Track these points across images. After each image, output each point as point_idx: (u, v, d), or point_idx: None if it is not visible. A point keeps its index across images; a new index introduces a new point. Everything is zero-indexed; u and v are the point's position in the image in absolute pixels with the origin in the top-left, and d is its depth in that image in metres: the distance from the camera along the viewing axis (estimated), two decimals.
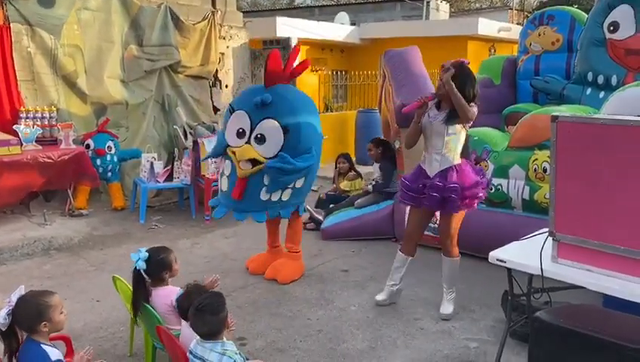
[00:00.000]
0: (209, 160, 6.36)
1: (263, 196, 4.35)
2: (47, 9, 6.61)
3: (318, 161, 4.59)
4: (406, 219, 5.40)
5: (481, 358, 3.44)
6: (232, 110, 4.43)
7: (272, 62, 4.34)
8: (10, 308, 2.40)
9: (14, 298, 2.43)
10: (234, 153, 4.27)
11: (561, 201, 2.66)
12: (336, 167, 6.90)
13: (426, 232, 4.25)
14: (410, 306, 4.16)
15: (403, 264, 4.12)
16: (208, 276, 3.29)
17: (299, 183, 4.46)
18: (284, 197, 4.45)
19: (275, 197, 4.40)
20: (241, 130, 4.30)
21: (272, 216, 4.56)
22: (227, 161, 4.39)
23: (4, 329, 2.41)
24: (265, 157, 4.21)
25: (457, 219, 3.91)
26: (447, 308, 4.01)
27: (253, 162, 4.22)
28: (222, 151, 4.42)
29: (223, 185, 4.48)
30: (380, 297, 4.19)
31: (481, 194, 3.91)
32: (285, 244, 4.89)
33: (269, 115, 4.23)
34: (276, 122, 4.23)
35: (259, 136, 4.24)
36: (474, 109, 3.76)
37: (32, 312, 2.43)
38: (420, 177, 3.91)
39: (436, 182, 3.79)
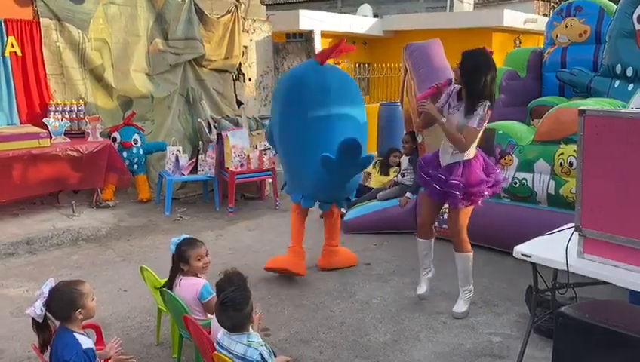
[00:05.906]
0: (232, 153, 6.43)
1: None
2: (77, 4, 6.73)
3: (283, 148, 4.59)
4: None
5: (504, 353, 3.44)
6: None
7: None
8: (44, 299, 2.46)
9: (46, 290, 2.48)
10: None
11: (587, 196, 2.64)
12: (387, 160, 6.71)
13: (443, 225, 4.20)
14: (432, 300, 4.16)
15: (428, 248, 4.06)
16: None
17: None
18: None
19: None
20: None
21: (340, 206, 4.90)
22: None
23: (40, 321, 2.46)
24: None
25: (464, 214, 3.81)
26: (460, 307, 3.92)
27: None
28: None
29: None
30: (420, 291, 4.08)
31: (486, 193, 3.78)
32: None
33: None
34: None
35: None
36: (485, 117, 3.61)
37: (66, 301, 2.48)
38: (434, 162, 3.86)
39: (439, 175, 3.75)
